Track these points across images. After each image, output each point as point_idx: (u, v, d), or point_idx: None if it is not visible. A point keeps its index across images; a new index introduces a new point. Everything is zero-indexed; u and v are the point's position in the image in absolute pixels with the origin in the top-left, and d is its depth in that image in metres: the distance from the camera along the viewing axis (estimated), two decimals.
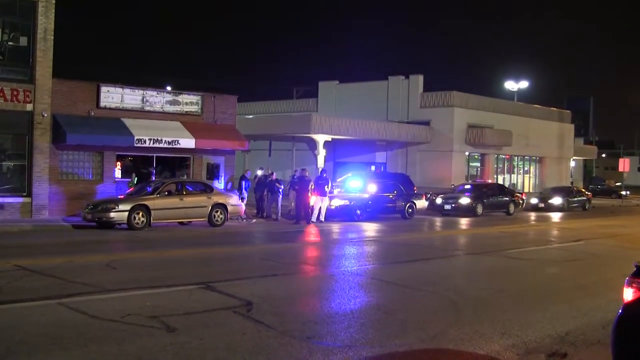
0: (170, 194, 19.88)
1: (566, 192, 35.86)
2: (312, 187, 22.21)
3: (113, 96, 22.81)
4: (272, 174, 24.33)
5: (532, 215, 30.50)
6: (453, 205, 28.47)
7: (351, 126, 35.19)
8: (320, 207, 22.60)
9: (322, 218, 22.60)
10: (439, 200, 29.03)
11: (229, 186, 24.01)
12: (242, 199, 22.67)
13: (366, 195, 24.61)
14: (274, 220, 23.02)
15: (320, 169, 25.73)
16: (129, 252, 13.96)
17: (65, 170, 21.77)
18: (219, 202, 20.46)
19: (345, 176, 29.71)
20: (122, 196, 20.19)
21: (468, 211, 28.22)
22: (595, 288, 10.67)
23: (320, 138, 33.89)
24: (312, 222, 22.19)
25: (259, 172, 24.82)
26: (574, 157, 52.62)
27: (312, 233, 19.56)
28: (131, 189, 21.15)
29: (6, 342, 6.39)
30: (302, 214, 22.10)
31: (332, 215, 23.57)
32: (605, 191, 55.22)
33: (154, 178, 23.00)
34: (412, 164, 40.57)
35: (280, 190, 23.74)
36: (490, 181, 37.57)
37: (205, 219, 20.18)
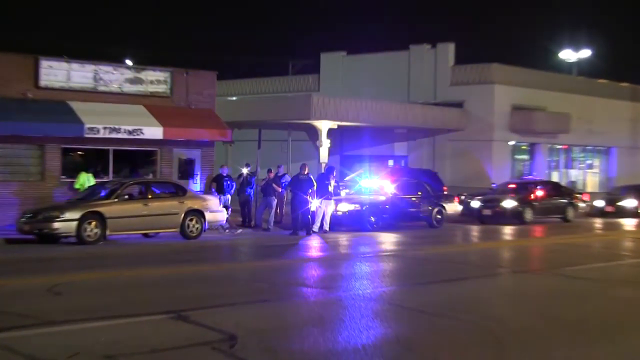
0: (131, 198, 20.06)
1: None
2: (314, 187, 22.48)
3: (57, 73, 22.94)
4: (269, 170, 24.59)
5: (598, 222, 30.60)
6: (494, 209, 28.70)
7: (362, 109, 35.32)
8: (323, 214, 22.88)
9: (326, 227, 22.87)
10: (475, 204, 29.19)
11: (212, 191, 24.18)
12: (226, 206, 22.92)
13: (382, 198, 24.77)
14: (265, 231, 23.19)
15: (323, 165, 25.87)
16: (78, 273, 13.99)
17: None
18: (194, 207, 20.63)
19: (355, 173, 30.04)
20: (69, 201, 20.30)
21: (513, 217, 28.39)
22: None
23: (323, 125, 34.02)
24: (314, 232, 22.38)
25: (245, 170, 24.94)
26: None
27: (313, 246, 19.59)
28: (81, 193, 21.25)
29: None
30: (301, 222, 22.27)
31: (339, 223, 23.78)
32: None
33: (110, 178, 23.25)
34: (440, 157, 40.67)
35: (276, 193, 24.03)
36: (542, 179, 37.37)
37: (176, 230, 20.35)
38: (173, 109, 24.83)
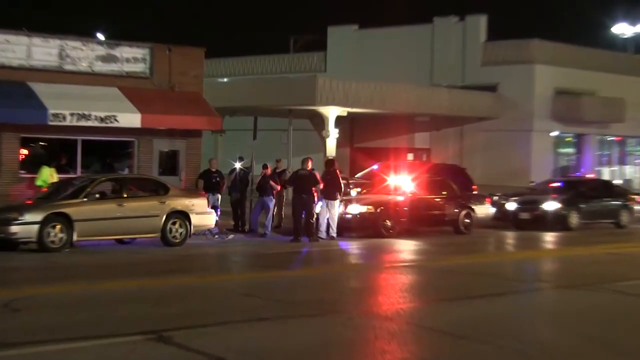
0: (103, 197, 20.12)
1: None
2: (320, 186, 22.60)
3: (15, 49, 23.06)
4: (265, 166, 24.53)
5: None
6: (533, 212, 28.68)
7: (377, 93, 35.32)
8: (327, 217, 23.01)
9: (332, 233, 22.99)
10: (511, 206, 29.10)
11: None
12: (216, 208, 23.15)
13: (400, 199, 24.78)
14: (261, 237, 23.32)
15: (327, 159, 26.16)
16: (40, 286, 13.97)
17: None
18: (178, 208, 20.65)
19: (368, 169, 30.10)
20: (29, 201, 20.31)
21: (556, 222, 28.28)
22: None
23: (331, 112, 34.06)
24: (320, 238, 22.54)
25: (238, 165, 24.97)
26: None
27: (318, 256, 19.64)
28: (44, 190, 21.22)
29: None
30: (304, 226, 22.43)
31: (349, 227, 23.94)
32: None
33: (79, 173, 23.51)
34: (470, 150, 40.78)
35: (275, 192, 24.15)
36: (590, 176, 37.39)
37: (157, 235, 20.39)
38: (153, 92, 25.08)
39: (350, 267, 17.90)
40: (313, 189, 22.46)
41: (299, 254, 19.70)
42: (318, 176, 22.83)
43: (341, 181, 23.31)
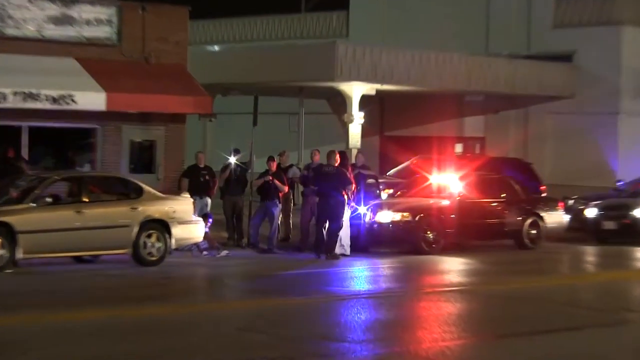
0: (57, 201, 20.13)
1: None
2: (351, 187, 22.84)
3: None
4: (271, 159, 24.57)
5: None
6: (620, 221, 28.44)
7: (415, 65, 35.14)
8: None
9: (343, 249, 23.12)
10: (591, 212, 28.92)
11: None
12: (206, 215, 23.16)
13: (445, 203, 24.90)
14: (264, 253, 23.49)
15: (354, 152, 26.63)
16: None
17: None
18: (155, 216, 20.76)
19: (403, 165, 30.65)
20: None
21: None
22: None
23: (354, 90, 34.00)
24: (344, 255, 22.91)
25: (233, 160, 24.88)
26: None
27: (340, 277, 19.69)
28: None
29: None
30: (327, 240, 22.68)
31: (377, 240, 24.23)
32: None
33: (25, 170, 22.79)
34: (537, 139, 40.60)
35: (281, 195, 24.22)
36: None
37: (127, 251, 20.45)
38: (122, 65, 25.10)
39: (379, 293, 17.89)
40: (342, 190, 22.66)
41: (314, 275, 19.88)
42: (349, 175, 23.11)
43: (352, 179, 23.18)
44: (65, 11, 24.64)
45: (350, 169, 23.68)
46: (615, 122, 39.86)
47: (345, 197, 22.62)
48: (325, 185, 22.81)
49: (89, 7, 24.99)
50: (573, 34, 40.71)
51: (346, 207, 22.75)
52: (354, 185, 22.85)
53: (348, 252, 22.88)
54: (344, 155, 24.16)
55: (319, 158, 24.08)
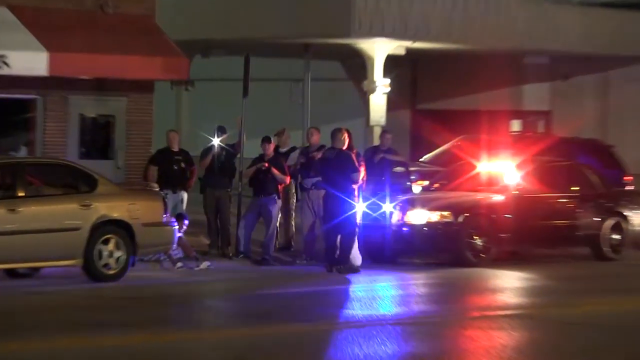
0: None
1: None
2: (361, 175, 22.09)
3: None
4: (266, 140, 24.12)
5: None
6: None
7: (457, 16, 34.07)
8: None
9: (356, 258, 22.27)
10: None
11: None
12: (180, 216, 22.72)
13: (498, 199, 24.04)
14: (258, 264, 23.05)
15: (376, 130, 28.20)
16: None
17: None
18: (113, 216, 20.17)
19: (442, 148, 30.58)
20: None
21: None
22: None
23: (378, 49, 33.44)
24: (358, 267, 22.22)
25: (216, 141, 23.99)
26: None
27: (358, 296, 19.40)
28: None
29: None
30: (341, 248, 22.03)
31: (408, 247, 23.86)
32: None
33: None
34: (620, 115, 39.85)
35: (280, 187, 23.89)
36: None
37: (76, 262, 19.83)
38: (70, 15, 24.75)
39: (412, 318, 16.62)
40: (353, 181, 22.12)
41: (322, 294, 19.66)
42: (355, 160, 22.16)
43: (360, 168, 22.32)
44: None
45: (355, 152, 23.08)
46: None
47: (356, 189, 22.28)
48: (329, 174, 22.32)
49: None
50: None
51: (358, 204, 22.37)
52: (361, 174, 22.05)
53: (358, 262, 22.11)
54: (348, 134, 23.46)
55: (319, 139, 23.35)
